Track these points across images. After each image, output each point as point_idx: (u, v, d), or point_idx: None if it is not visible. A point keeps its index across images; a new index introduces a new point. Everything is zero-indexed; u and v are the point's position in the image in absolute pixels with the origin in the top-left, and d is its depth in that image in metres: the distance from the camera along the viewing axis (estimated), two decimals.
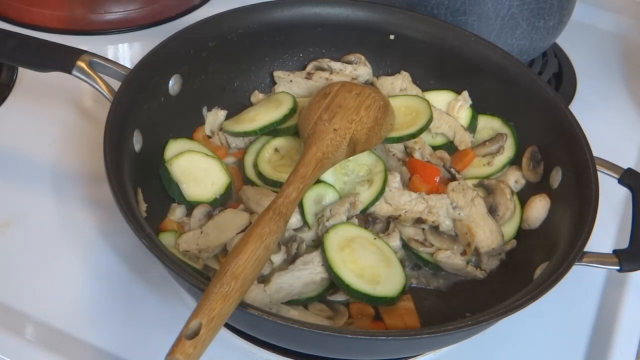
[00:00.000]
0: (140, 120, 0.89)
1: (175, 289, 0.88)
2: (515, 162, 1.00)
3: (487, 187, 0.96)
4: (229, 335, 0.85)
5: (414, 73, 1.08)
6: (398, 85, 1.06)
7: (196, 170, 0.93)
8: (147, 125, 0.90)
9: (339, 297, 0.84)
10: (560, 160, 0.92)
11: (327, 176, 0.92)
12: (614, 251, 0.82)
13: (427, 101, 1.02)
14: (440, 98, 1.06)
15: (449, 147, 1.03)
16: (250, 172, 0.96)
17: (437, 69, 1.07)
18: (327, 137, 0.89)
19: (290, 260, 0.85)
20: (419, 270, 0.91)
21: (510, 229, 0.94)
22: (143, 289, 0.88)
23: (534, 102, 0.98)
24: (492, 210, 0.94)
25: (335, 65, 1.07)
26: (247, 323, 0.76)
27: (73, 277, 0.89)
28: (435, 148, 1.02)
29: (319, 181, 0.90)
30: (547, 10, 1.13)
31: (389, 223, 0.92)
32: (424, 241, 0.91)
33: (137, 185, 0.86)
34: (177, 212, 0.91)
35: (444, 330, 0.70)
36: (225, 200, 0.94)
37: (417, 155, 0.98)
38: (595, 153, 0.89)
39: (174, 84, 0.96)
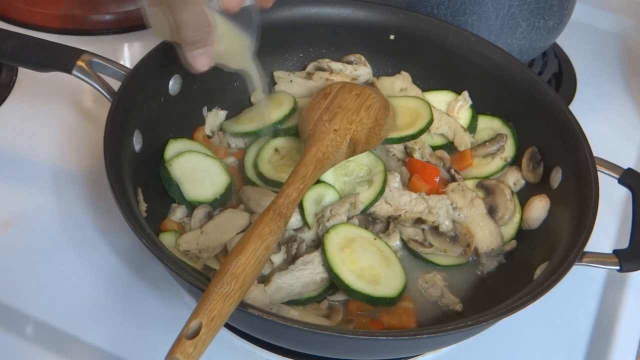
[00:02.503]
0: (140, 120, 0.89)
1: (175, 289, 0.88)
2: (515, 162, 1.00)
3: (486, 188, 0.96)
4: (229, 335, 0.85)
5: (414, 73, 1.08)
6: (398, 85, 1.06)
7: (196, 171, 0.93)
8: (147, 125, 0.90)
9: (339, 297, 0.84)
10: (560, 160, 0.92)
11: (328, 176, 0.92)
12: (614, 251, 0.82)
13: (428, 102, 1.02)
14: (440, 98, 1.06)
15: (449, 147, 1.03)
16: (250, 172, 0.96)
17: (437, 69, 1.07)
18: (327, 138, 0.89)
19: (290, 260, 0.85)
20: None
21: (510, 229, 0.94)
22: (143, 289, 0.88)
23: (534, 102, 0.98)
24: (492, 211, 0.94)
25: (335, 65, 1.07)
26: (247, 323, 0.76)
27: (73, 277, 0.89)
28: (435, 148, 1.02)
29: (319, 181, 0.90)
30: (547, 10, 1.12)
31: (389, 223, 0.92)
32: (424, 241, 0.91)
33: (137, 185, 0.86)
34: (178, 212, 0.91)
35: (444, 330, 0.70)
36: (225, 200, 0.94)
37: (417, 155, 0.98)
38: (595, 153, 0.89)
39: (174, 84, 0.96)
